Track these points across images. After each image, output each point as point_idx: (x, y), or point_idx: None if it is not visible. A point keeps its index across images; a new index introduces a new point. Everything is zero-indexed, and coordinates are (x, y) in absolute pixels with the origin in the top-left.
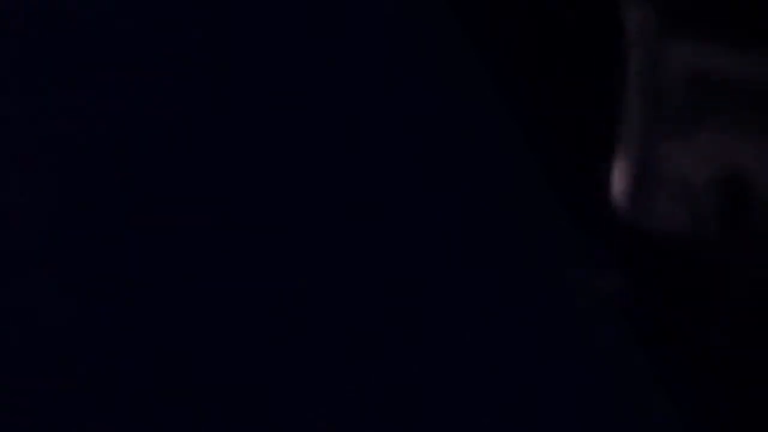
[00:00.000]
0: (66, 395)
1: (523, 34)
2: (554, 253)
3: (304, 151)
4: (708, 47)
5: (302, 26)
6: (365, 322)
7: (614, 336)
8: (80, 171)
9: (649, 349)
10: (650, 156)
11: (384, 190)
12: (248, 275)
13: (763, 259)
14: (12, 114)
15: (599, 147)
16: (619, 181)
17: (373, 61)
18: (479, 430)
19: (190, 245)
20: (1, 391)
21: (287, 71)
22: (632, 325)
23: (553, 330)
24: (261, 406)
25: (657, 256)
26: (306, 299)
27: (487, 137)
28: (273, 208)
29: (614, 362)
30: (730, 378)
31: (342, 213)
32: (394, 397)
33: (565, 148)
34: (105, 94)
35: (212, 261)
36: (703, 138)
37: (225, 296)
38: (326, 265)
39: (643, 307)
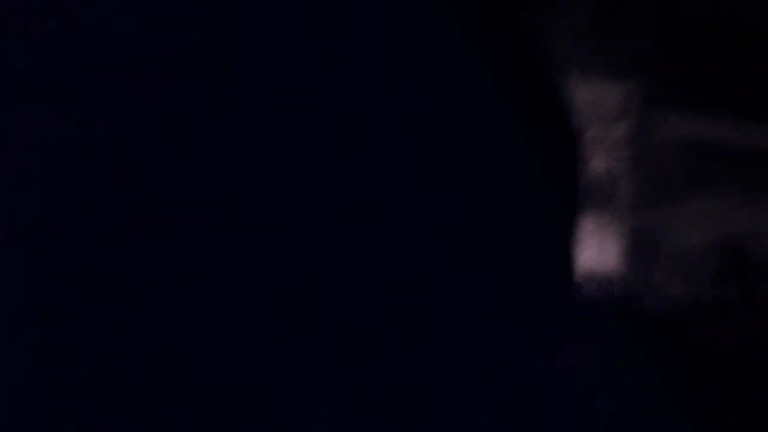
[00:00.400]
0: (66, 395)
1: (523, 34)
2: (554, 253)
3: (304, 151)
4: (700, 115)
5: (302, 26)
6: (365, 322)
7: (614, 335)
8: (80, 171)
9: (649, 349)
10: (646, 226)
11: (384, 190)
12: (248, 275)
13: (763, 323)
14: (12, 114)
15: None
16: (615, 252)
17: (373, 61)
18: (479, 430)
19: (190, 245)
20: (1, 391)
21: (287, 71)
22: (632, 325)
23: (553, 329)
24: (261, 406)
25: (658, 324)
26: (306, 299)
27: (487, 137)
28: (273, 208)
29: (614, 362)
30: (730, 378)
31: (342, 213)
32: (394, 397)
33: (565, 148)
34: (105, 94)
35: (212, 261)
36: (699, 205)
37: (225, 296)
38: (326, 265)
39: (642, 308)
